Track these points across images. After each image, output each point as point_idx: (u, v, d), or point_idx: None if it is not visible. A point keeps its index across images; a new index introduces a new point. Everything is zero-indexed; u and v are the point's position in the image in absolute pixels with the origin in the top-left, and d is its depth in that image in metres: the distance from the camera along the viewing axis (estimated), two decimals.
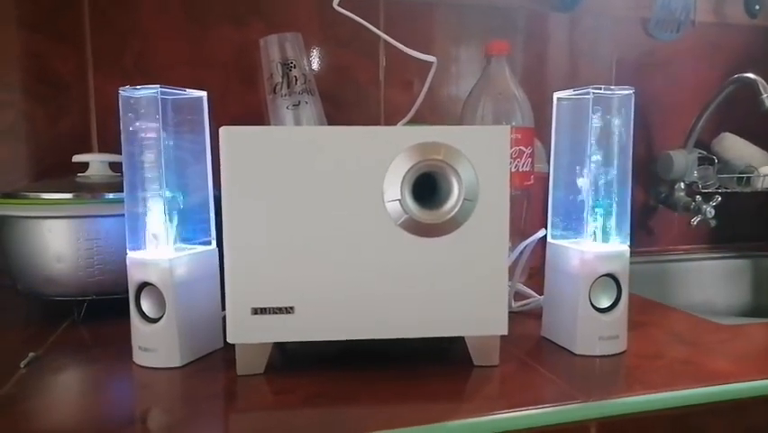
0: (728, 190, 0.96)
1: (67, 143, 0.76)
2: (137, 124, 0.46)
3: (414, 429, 0.37)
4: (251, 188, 0.43)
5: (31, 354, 0.49)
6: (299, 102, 0.77)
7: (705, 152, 0.97)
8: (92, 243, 0.59)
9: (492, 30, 0.93)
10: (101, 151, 0.77)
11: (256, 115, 0.82)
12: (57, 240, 0.59)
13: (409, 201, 0.44)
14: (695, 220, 0.94)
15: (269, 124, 0.77)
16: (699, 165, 0.95)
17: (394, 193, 0.43)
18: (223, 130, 0.43)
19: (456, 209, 0.44)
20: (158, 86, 0.46)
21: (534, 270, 0.74)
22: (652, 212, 1.02)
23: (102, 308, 0.60)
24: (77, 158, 0.65)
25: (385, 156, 0.43)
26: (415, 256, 0.44)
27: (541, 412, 0.39)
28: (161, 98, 0.47)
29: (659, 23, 0.99)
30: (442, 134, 0.43)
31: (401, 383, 0.44)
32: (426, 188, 0.44)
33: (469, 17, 0.91)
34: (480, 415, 0.39)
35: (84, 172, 0.66)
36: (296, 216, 0.43)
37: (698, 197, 0.94)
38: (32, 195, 0.60)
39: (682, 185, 0.96)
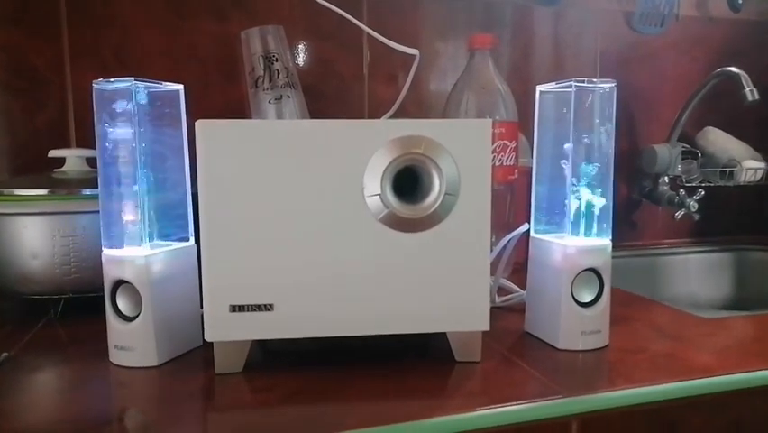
0: (712, 184, 0.97)
1: (44, 139, 0.74)
2: (111, 117, 0.45)
3: (394, 427, 0.37)
4: (227, 183, 0.42)
5: (3, 354, 0.48)
6: (281, 96, 0.76)
7: (689, 146, 0.97)
8: (68, 240, 0.58)
9: (477, 23, 0.92)
10: (79, 146, 0.75)
11: (237, 109, 0.81)
12: (32, 237, 0.58)
13: (390, 196, 0.43)
14: (679, 214, 0.94)
15: (251, 118, 0.76)
16: (682, 159, 0.96)
17: (374, 188, 0.43)
18: (198, 123, 0.42)
19: (437, 204, 0.43)
20: (132, 78, 0.44)
21: (519, 265, 0.74)
22: (636, 206, 1.02)
23: (80, 306, 0.59)
24: (53, 153, 0.64)
25: (365, 150, 0.43)
26: (395, 252, 0.44)
27: (522, 408, 0.39)
28: (137, 91, 0.46)
29: (643, 17, 0.99)
30: (423, 128, 0.43)
31: (382, 380, 0.43)
32: (407, 182, 0.44)
33: (454, 10, 0.91)
34: (461, 412, 0.38)
35: (60, 168, 0.64)
36: (274, 211, 0.43)
37: (681, 190, 0.94)
38: (5, 191, 0.58)
39: (666, 179, 0.96)
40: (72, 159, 0.64)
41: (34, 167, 0.73)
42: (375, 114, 0.88)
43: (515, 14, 0.94)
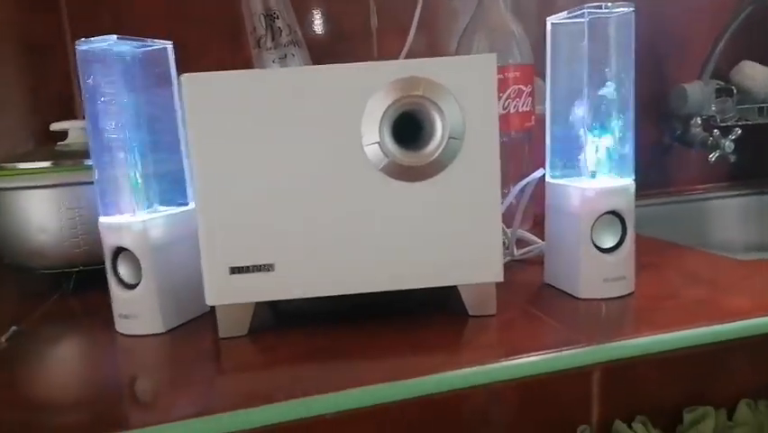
0: (749, 123, 0.90)
1: (49, 111, 0.73)
2: (96, 79, 0.43)
3: (405, 383, 0.35)
4: (219, 140, 0.40)
5: (13, 328, 0.48)
6: (286, 55, 0.73)
7: (723, 83, 0.91)
8: (74, 212, 0.57)
9: None
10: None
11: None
12: (38, 211, 0.57)
13: (389, 143, 0.40)
14: (713, 156, 0.88)
15: None
16: (716, 97, 0.89)
17: (372, 136, 0.40)
18: (184, 77, 0.40)
19: (441, 149, 0.40)
20: (114, 36, 0.42)
21: (540, 217, 0.70)
22: (666, 151, 0.96)
23: (93, 278, 0.59)
24: (54, 126, 0.63)
25: (360, 95, 0.40)
26: (399, 203, 0.41)
27: (539, 359, 0.36)
28: (123, 51, 0.44)
29: None
30: (420, 68, 0.40)
31: (393, 337, 0.41)
32: (408, 128, 0.41)
33: None
34: (475, 365, 0.36)
35: (64, 140, 0.63)
36: (269, 166, 0.40)
37: (715, 131, 0.88)
38: (9, 165, 0.58)
39: (699, 120, 0.90)
40: (75, 130, 0.63)
41: (41, 140, 0.73)
42: None
43: None
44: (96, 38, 0.43)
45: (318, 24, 0.82)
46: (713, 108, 0.89)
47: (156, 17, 0.76)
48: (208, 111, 0.40)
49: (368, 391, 0.34)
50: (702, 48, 0.91)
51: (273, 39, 0.73)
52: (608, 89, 0.44)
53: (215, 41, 0.79)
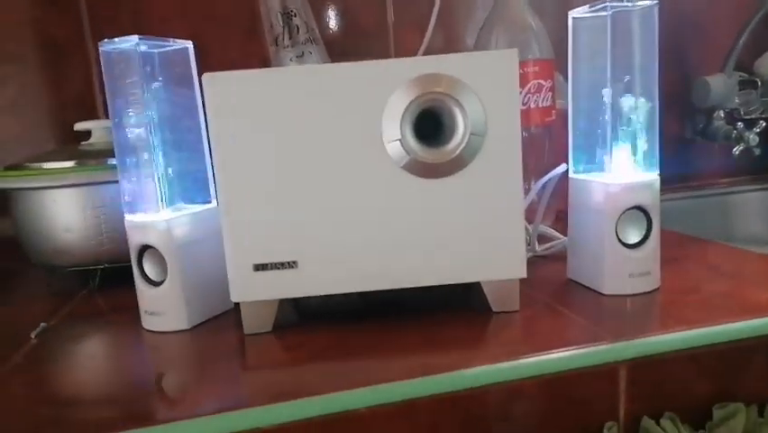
0: None
1: (71, 111, 0.74)
2: (119, 79, 0.44)
3: (429, 379, 0.35)
4: (240, 138, 0.40)
5: (42, 325, 0.49)
6: (303, 53, 0.74)
7: (747, 75, 0.89)
8: (98, 210, 0.58)
9: None
10: (107, 116, 0.75)
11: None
12: (63, 210, 0.58)
13: (411, 140, 0.40)
14: (737, 149, 0.87)
15: None
16: (740, 90, 0.88)
17: (394, 133, 0.40)
18: (205, 77, 0.40)
19: (462, 146, 0.40)
20: (136, 37, 0.43)
21: (562, 213, 0.70)
22: (689, 144, 0.95)
23: (119, 275, 0.60)
24: (78, 126, 0.64)
25: (381, 93, 0.40)
26: (421, 199, 0.41)
27: (564, 356, 0.36)
28: (146, 51, 0.44)
29: None
30: (441, 64, 0.39)
31: (417, 333, 0.41)
32: (429, 125, 0.41)
33: None
34: (499, 361, 0.36)
35: (87, 140, 0.64)
36: (291, 164, 0.41)
37: (739, 124, 0.87)
38: (34, 165, 0.59)
39: (722, 113, 0.89)
40: (98, 130, 0.64)
41: (64, 141, 0.74)
42: None
43: None
44: (118, 38, 0.43)
45: (335, 21, 0.82)
46: (736, 101, 0.88)
47: (175, 16, 0.77)
48: (229, 110, 0.40)
49: (392, 387, 0.34)
50: (725, 40, 0.89)
51: (291, 37, 0.73)
52: (634, 90, 0.43)
53: (234, 39, 0.79)
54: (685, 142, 0.95)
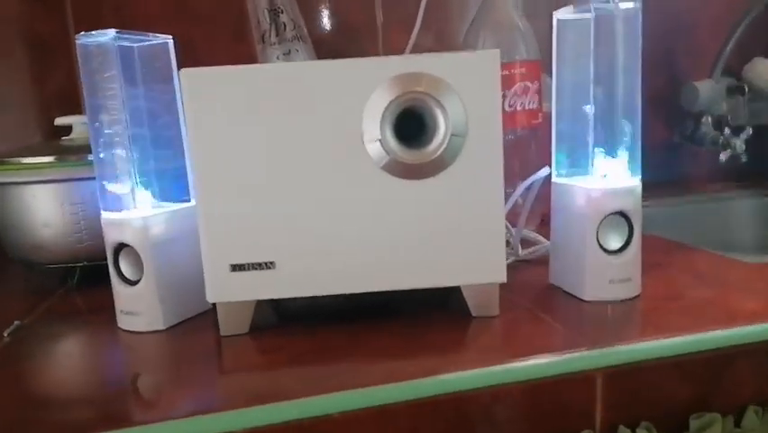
0: (761, 123, 0.89)
1: (54, 106, 0.73)
2: (96, 73, 0.43)
3: (405, 384, 0.34)
4: (218, 135, 0.40)
5: (16, 323, 0.48)
6: (290, 50, 0.73)
7: (735, 81, 0.89)
8: (77, 207, 0.57)
9: None
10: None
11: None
12: (42, 206, 0.57)
13: (391, 140, 0.40)
14: (724, 156, 0.87)
15: None
16: (727, 96, 0.88)
17: (374, 132, 0.40)
18: (183, 72, 0.39)
19: (443, 147, 0.40)
20: (113, 30, 0.42)
21: (547, 216, 0.70)
22: (676, 149, 0.95)
23: (98, 273, 0.59)
24: (59, 121, 0.63)
25: (361, 92, 0.39)
26: (401, 201, 0.40)
27: (541, 362, 0.36)
28: (124, 45, 0.44)
29: None
30: (422, 63, 0.39)
31: (396, 337, 0.41)
32: (410, 125, 0.40)
33: None
34: (478, 366, 0.35)
35: (67, 135, 0.63)
36: (269, 163, 0.40)
37: (726, 130, 0.87)
38: (13, 160, 0.58)
39: (709, 118, 0.89)
40: (79, 125, 0.63)
41: (48, 135, 0.73)
42: None
43: None
44: (95, 32, 0.42)
45: (323, 19, 0.82)
46: (724, 107, 0.88)
47: (160, 14, 0.76)
48: (207, 106, 0.40)
49: (369, 391, 0.34)
50: (714, 45, 0.89)
51: (277, 34, 0.73)
52: (616, 94, 0.43)
53: (220, 38, 0.78)
54: (673, 147, 0.95)
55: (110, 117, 0.43)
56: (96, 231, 0.57)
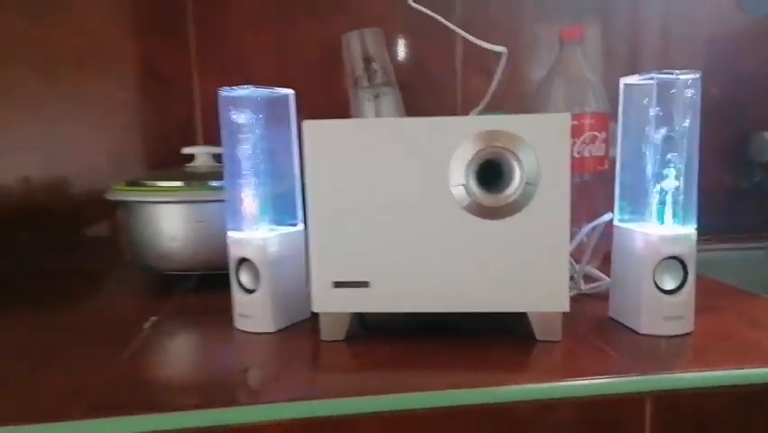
0: None
1: (175, 137, 0.86)
2: (234, 119, 0.53)
3: (473, 391, 0.41)
4: (331, 176, 0.49)
5: (152, 318, 0.58)
6: (379, 94, 0.82)
7: None
8: (199, 225, 0.68)
9: (572, 13, 0.92)
10: (205, 143, 0.86)
11: (339, 106, 0.87)
12: (170, 222, 0.68)
13: (473, 186, 0.47)
14: None
15: (351, 114, 0.83)
16: None
17: (459, 178, 0.47)
18: (305, 124, 0.49)
19: (518, 193, 0.47)
20: (251, 86, 0.52)
21: (608, 254, 0.74)
22: (743, 196, 0.97)
23: (209, 281, 0.69)
24: (186, 150, 0.74)
25: (451, 144, 0.47)
26: (479, 237, 0.48)
27: (595, 383, 0.42)
28: (255, 96, 0.53)
29: None
30: (503, 123, 0.46)
31: (466, 353, 0.48)
32: (490, 172, 0.48)
33: (549, 2, 0.92)
34: (537, 381, 0.42)
35: (191, 163, 0.74)
36: (371, 200, 0.48)
37: None
38: (149, 183, 0.69)
39: None
40: (201, 155, 0.74)
41: (167, 162, 0.85)
42: (468, 105, 0.91)
43: (612, 2, 0.93)
44: (237, 87, 0.52)
45: (409, 65, 0.91)
46: None
47: (268, 59, 0.87)
48: (323, 150, 0.49)
49: (440, 394, 0.41)
50: None
51: (369, 79, 0.82)
52: (676, 152, 0.49)
53: (316, 79, 0.89)
54: (740, 194, 0.97)
55: (242, 154, 0.53)
56: (210, 245, 0.67)
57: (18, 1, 0.82)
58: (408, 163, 0.48)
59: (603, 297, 0.61)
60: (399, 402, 0.41)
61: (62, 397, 0.41)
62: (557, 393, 0.42)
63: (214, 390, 0.43)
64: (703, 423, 0.43)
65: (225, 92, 0.53)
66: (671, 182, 0.50)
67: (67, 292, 0.73)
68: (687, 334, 0.50)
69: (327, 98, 0.89)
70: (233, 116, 0.53)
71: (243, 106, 0.53)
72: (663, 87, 0.49)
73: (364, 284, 0.49)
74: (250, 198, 0.54)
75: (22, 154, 0.85)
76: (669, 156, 0.49)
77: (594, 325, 0.54)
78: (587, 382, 0.42)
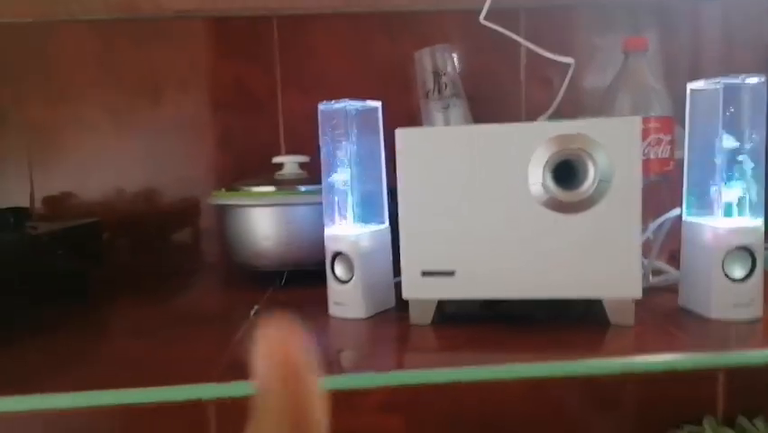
0: None
1: (262, 148, 0.94)
2: (331, 129, 0.60)
3: (551, 364, 0.46)
4: (420, 176, 0.55)
5: (256, 307, 0.66)
6: (449, 105, 0.88)
7: None
8: (290, 225, 0.75)
9: (633, 25, 0.96)
10: (287, 153, 0.94)
11: (411, 116, 0.93)
12: (263, 223, 0.76)
13: (550, 183, 0.52)
14: None
15: (422, 124, 0.89)
16: None
17: (537, 177, 0.52)
18: (399, 131, 0.55)
19: (592, 189, 0.52)
20: (347, 100, 0.59)
21: (675, 252, 0.77)
22: None
23: (297, 277, 0.76)
24: (276, 159, 0.82)
25: (530, 146, 0.52)
26: (556, 230, 0.53)
27: (673, 358, 0.46)
28: (349, 109, 0.60)
29: None
30: (579, 126, 0.51)
31: (543, 337, 0.52)
32: (566, 171, 0.53)
33: (608, 14, 0.96)
34: (615, 356, 0.46)
35: (280, 171, 0.82)
36: (456, 198, 0.54)
37: None
38: (244, 188, 0.77)
39: None
40: (289, 164, 0.81)
41: (256, 171, 0.93)
42: (531, 114, 0.96)
43: (673, 12, 0.96)
44: (334, 101, 0.59)
45: (476, 76, 0.96)
46: None
47: (345, 76, 0.95)
48: (414, 154, 0.55)
49: (519, 367, 0.46)
50: None
51: (439, 92, 0.88)
52: (742, 151, 0.53)
53: (391, 92, 0.95)
54: None
55: (338, 160, 0.60)
56: (300, 245, 0.75)
57: (126, 28, 0.93)
58: (490, 165, 0.53)
59: (672, 289, 0.64)
60: (489, 374, 0.46)
61: (199, 364, 0.49)
62: (637, 367, 0.46)
63: (325, 358, 0.49)
64: None
65: (324, 106, 0.60)
66: (737, 183, 0.53)
67: (175, 288, 0.82)
68: (756, 319, 0.53)
69: (400, 110, 0.95)
70: (330, 127, 0.60)
71: (338, 118, 0.60)
72: (730, 91, 0.53)
73: (450, 273, 0.55)
74: (344, 199, 0.60)
75: (125, 169, 0.95)
76: (738, 157, 0.53)
77: (664, 313, 0.58)
78: (661, 357, 0.46)
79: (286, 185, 0.77)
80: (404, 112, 0.95)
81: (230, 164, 0.96)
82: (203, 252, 0.97)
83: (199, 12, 0.93)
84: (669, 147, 0.74)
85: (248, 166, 0.95)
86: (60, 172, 0.94)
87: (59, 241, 0.75)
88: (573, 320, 0.56)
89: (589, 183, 0.52)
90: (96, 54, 0.93)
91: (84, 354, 0.55)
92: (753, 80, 0.52)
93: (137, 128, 0.94)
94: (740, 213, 0.54)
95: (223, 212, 0.80)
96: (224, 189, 0.79)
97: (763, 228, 0.53)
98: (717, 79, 0.53)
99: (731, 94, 0.53)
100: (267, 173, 0.83)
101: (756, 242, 0.53)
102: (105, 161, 0.94)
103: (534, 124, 0.52)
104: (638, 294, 0.52)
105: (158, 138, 0.95)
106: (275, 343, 0.16)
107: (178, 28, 0.93)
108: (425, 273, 0.55)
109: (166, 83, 0.94)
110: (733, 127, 0.53)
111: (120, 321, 0.68)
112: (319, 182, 0.62)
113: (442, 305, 0.57)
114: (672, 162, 0.74)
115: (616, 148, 0.51)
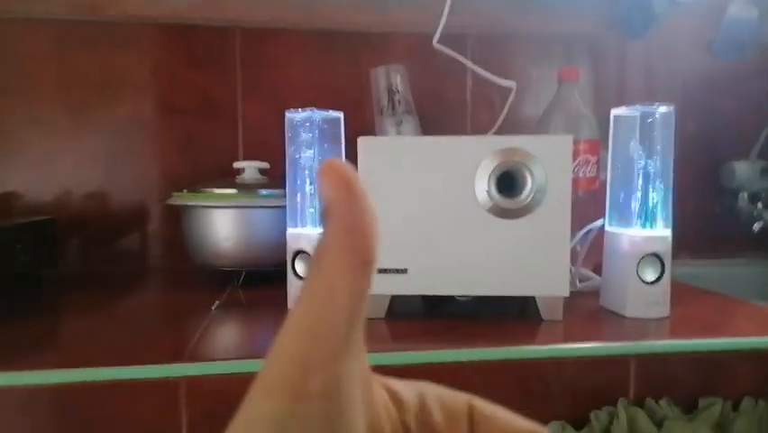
0: None
1: (220, 154, 0.97)
2: (296, 136, 0.65)
3: (492, 350, 0.52)
4: (378, 181, 0.60)
5: (216, 303, 0.69)
6: (401, 121, 0.95)
7: None
8: (250, 227, 0.78)
9: (567, 55, 1.06)
10: (245, 159, 0.97)
11: (365, 130, 0.98)
12: (224, 224, 0.79)
13: (494, 192, 0.59)
14: (756, 226, 1.02)
15: None
16: (761, 175, 1.03)
17: (482, 186, 0.59)
18: (361, 139, 0.60)
19: (530, 198, 0.59)
20: (313, 108, 0.64)
21: (599, 263, 0.86)
22: (716, 218, 1.10)
23: (253, 278, 0.80)
24: (237, 164, 0.86)
25: (477, 158, 0.59)
26: (499, 233, 0.59)
27: (593, 346, 0.53)
28: (313, 117, 0.65)
29: (723, 45, 1.08)
30: (519, 141, 0.59)
31: (484, 329, 0.59)
32: (508, 181, 0.59)
33: (545, 45, 1.06)
34: (546, 344, 0.53)
35: (240, 175, 0.86)
36: (410, 202, 0.60)
37: (759, 204, 1.02)
38: (207, 190, 0.80)
39: (746, 194, 1.04)
40: (250, 168, 0.85)
41: (216, 175, 0.96)
42: (476, 132, 1.04)
43: (602, 47, 1.07)
44: (301, 110, 0.64)
45: (426, 96, 1.03)
46: (760, 184, 1.03)
47: (304, 88, 1.00)
48: (373, 161, 0.60)
49: (471, 352, 0.52)
50: (752, 130, 1.06)
51: (393, 108, 0.95)
52: (655, 170, 0.61)
53: (347, 107, 1.01)
54: (714, 216, 1.10)
55: (301, 164, 0.65)
56: (257, 246, 0.78)
57: (88, 30, 0.94)
58: (442, 173, 0.60)
59: (595, 294, 0.72)
60: (438, 357, 0.52)
61: (169, 348, 0.52)
62: (563, 353, 0.53)
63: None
64: (678, 381, 0.54)
65: (291, 114, 0.65)
66: (650, 197, 0.62)
67: (130, 287, 0.84)
68: (665, 317, 0.62)
69: (356, 124, 1.00)
70: (295, 134, 0.65)
71: (303, 125, 0.65)
72: (645, 117, 0.62)
73: (403, 271, 0.60)
74: (307, 200, 0.65)
75: (79, 168, 0.95)
76: (651, 175, 0.62)
77: (588, 311, 0.65)
78: (583, 345, 0.53)
79: (245, 189, 0.81)
80: (359, 126, 1.00)
81: (188, 168, 0.98)
82: (155, 254, 0.98)
83: (165, 19, 0.96)
84: (596, 167, 0.83)
85: (205, 171, 0.98)
86: (12, 170, 0.93)
87: (14, 237, 0.75)
88: (509, 316, 0.63)
89: (527, 192, 0.59)
90: (55, 54, 0.94)
91: (53, 337, 0.57)
92: (663, 109, 0.61)
93: (94, 127, 0.95)
94: (652, 224, 0.62)
95: (183, 213, 0.83)
96: (185, 191, 0.82)
97: (670, 237, 0.62)
98: (636, 106, 0.62)
99: (646, 119, 0.62)
100: (225, 178, 0.86)
101: (665, 249, 0.61)
102: (60, 160, 0.95)
103: (482, 137, 0.59)
104: (566, 292, 0.59)
105: (115, 138, 0.96)
106: (339, 167, 0.18)
107: (144, 33, 0.96)
108: (379, 271, 0.60)
109: (126, 86, 0.96)
110: (647, 149, 0.62)
111: (84, 313, 0.70)
112: (278, 188, 0.67)
113: (393, 303, 0.62)
114: (597, 181, 0.83)
115: (550, 162, 0.58)
